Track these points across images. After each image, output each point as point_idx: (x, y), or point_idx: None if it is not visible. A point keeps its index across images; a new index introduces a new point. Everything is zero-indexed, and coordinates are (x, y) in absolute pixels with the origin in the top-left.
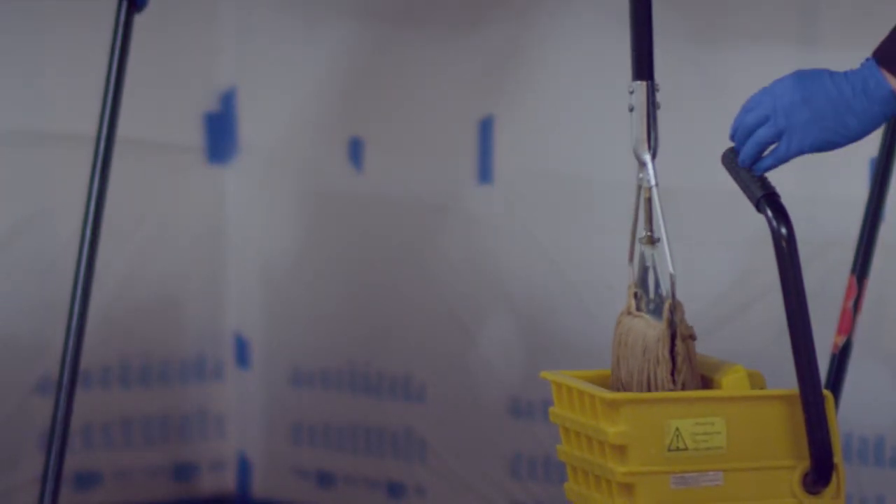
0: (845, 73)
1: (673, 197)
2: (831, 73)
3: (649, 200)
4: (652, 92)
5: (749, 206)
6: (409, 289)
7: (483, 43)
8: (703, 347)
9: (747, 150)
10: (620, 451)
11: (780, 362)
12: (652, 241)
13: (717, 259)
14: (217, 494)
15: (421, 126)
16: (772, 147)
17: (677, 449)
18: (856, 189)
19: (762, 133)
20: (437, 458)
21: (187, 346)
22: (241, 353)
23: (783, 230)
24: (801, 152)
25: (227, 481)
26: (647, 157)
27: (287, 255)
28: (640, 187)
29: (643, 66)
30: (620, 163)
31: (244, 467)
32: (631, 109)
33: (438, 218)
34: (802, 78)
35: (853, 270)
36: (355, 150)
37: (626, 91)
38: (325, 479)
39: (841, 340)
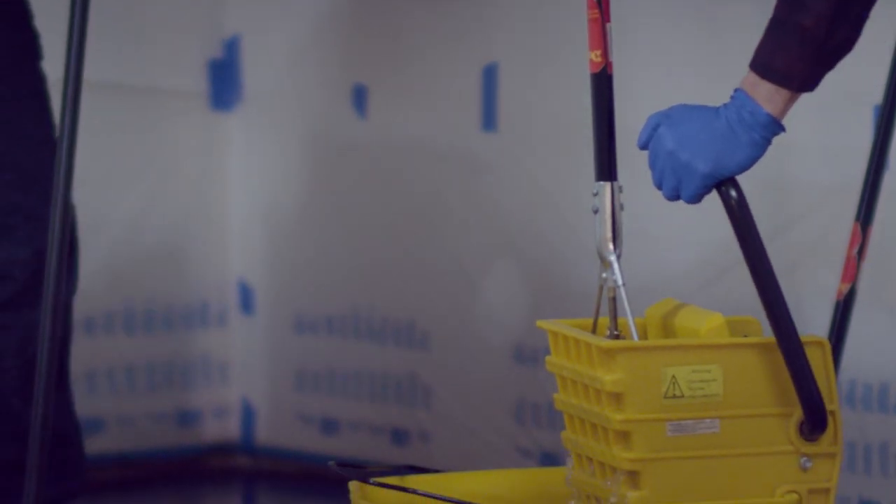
0: (716, 109)
1: None
2: (703, 111)
3: (614, 300)
4: (616, 193)
5: None
6: (412, 235)
7: None
8: (701, 300)
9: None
10: (617, 398)
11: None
12: (617, 339)
13: (713, 213)
14: (221, 441)
15: (425, 73)
16: None
17: (674, 396)
18: (860, 136)
19: (666, 192)
20: (442, 404)
21: (191, 293)
22: (245, 299)
23: (732, 193)
24: (697, 192)
25: (230, 428)
26: (613, 258)
27: (291, 201)
28: (601, 287)
29: (606, 167)
30: (627, 109)
31: (248, 414)
32: (595, 211)
33: (442, 165)
34: (674, 124)
35: (857, 218)
36: (359, 97)
37: (626, 58)
38: (329, 426)
39: (845, 288)
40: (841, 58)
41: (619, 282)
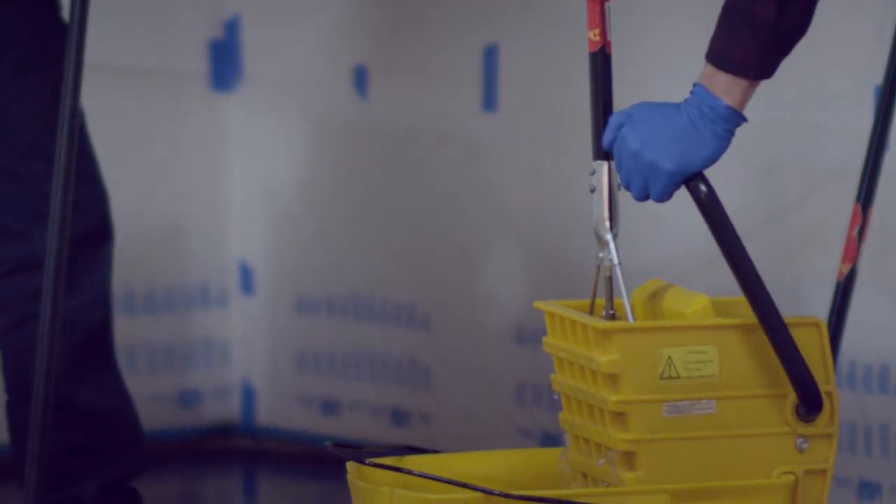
0: (678, 105)
1: None
2: (665, 108)
3: (610, 279)
4: (613, 172)
5: (754, 138)
6: (413, 217)
7: None
8: (703, 281)
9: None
10: (613, 379)
11: (786, 288)
12: (613, 319)
13: (718, 189)
14: (221, 422)
15: (425, 54)
16: None
17: (670, 377)
18: (860, 117)
19: (634, 192)
20: (442, 385)
21: (192, 274)
22: (246, 280)
23: (702, 188)
24: (665, 191)
25: (231, 409)
26: (609, 237)
27: (291, 182)
28: (598, 267)
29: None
30: (627, 91)
31: (248, 395)
32: (592, 190)
33: (443, 146)
34: (636, 124)
35: (858, 199)
36: (360, 78)
37: (626, 38)
38: (329, 407)
39: (846, 269)
40: (795, 43)
41: (615, 261)
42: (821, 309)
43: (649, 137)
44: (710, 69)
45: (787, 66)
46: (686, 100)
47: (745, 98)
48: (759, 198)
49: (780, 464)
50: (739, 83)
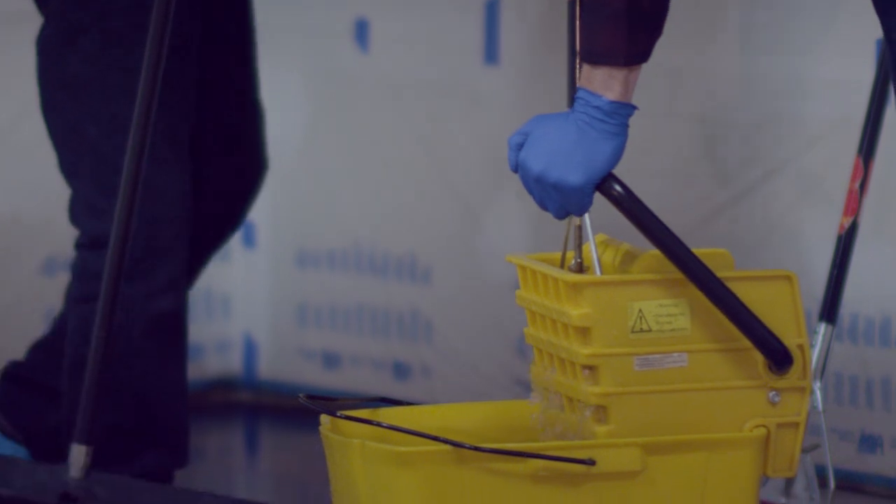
0: (567, 115)
1: (677, 75)
2: (556, 121)
3: (580, 229)
4: None
5: (755, 91)
6: (414, 170)
7: None
8: (699, 236)
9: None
10: (584, 333)
11: (787, 241)
12: (581, 268)
13: (720, 143)
14: (223, 375)
15: (427, 6)
16: None
17: (641, 331)
18: (862, 70)
19: (553, 213)
20: (443, 338)
21: None
22: (247, 233)
23: (616, 187)
24: (583, 203)
25: (232, 362)
26: None
27: (292, 135)
28: (570, 218)
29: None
30: None
31: (250, 348)
32: None
33: (444, 99)
34: (533, 145)
35: (859, 151)
36: (361, 31)
37: None
38: (330, 360)
39: (847, 221)
40: (660, 20)
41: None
42: (822, 262)
43: (548, 157)
44: (586, 68)
45: (790, 20)
46: (573, 106)
47: (628, 87)
48: (760, 151)
49: (752, 417)
50: (616, 74)
